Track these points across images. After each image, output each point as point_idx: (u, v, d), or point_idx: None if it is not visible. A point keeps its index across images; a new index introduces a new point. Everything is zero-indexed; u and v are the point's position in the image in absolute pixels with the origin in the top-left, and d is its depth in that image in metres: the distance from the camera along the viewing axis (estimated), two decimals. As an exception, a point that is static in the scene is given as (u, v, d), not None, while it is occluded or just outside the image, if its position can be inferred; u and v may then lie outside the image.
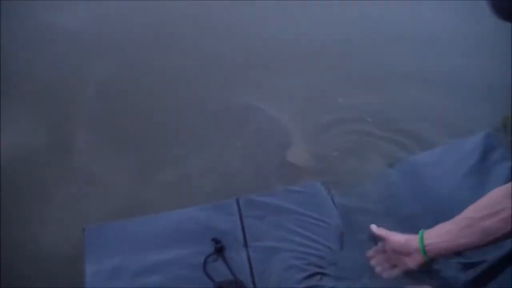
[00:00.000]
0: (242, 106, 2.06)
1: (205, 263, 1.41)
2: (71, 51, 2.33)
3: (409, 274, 1.30)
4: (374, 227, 1.39)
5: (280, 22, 2.45)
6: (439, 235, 1.20)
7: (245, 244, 1.45)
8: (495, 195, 1.15)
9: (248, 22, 2.46)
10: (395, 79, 2.14)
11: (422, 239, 1.23)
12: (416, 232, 1.26)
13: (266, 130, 1.96)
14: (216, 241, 1.44)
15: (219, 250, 1.42)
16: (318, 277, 1.38)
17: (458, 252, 1.25)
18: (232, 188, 1.72)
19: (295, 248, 1.43)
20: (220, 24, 2.45)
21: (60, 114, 2.07)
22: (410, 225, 1.37)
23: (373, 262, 1.37)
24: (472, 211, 1.17)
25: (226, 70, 2.23)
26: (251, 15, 2.50)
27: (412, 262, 1.25)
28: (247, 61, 2.27)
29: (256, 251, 1.43)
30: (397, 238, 1.30)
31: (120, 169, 1.87)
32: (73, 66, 2.26)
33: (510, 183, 1.11)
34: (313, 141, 1.90)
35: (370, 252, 1.39)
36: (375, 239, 1.39)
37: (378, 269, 1.35)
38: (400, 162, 1.70)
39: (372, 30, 2.40)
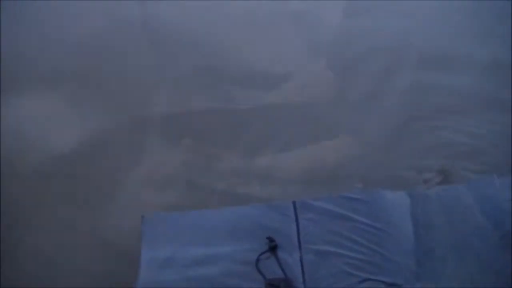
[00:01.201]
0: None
1: (258, 259, 1.42)
2: (150, 49, 2.41)
3: None
4: None
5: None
6: None
7: (299, 246, 1.47)
8: None
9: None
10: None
11: None
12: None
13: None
14: (270, 239, 1.47)
15: (273, 248, 1.45)
16: (368, 283, 1.39)
17: None
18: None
19: (347, 253, 1.45)
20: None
21: (135, 110, 2.14)
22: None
23: None
24: None
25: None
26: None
27: None
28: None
29: (308, 253, 1.46)
30: None
31: (181, 161, 1.93)
32: (150, 65, 2.34)
33: None
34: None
35: None
36: None
37: None
38: (471, 182, 1.66)
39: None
